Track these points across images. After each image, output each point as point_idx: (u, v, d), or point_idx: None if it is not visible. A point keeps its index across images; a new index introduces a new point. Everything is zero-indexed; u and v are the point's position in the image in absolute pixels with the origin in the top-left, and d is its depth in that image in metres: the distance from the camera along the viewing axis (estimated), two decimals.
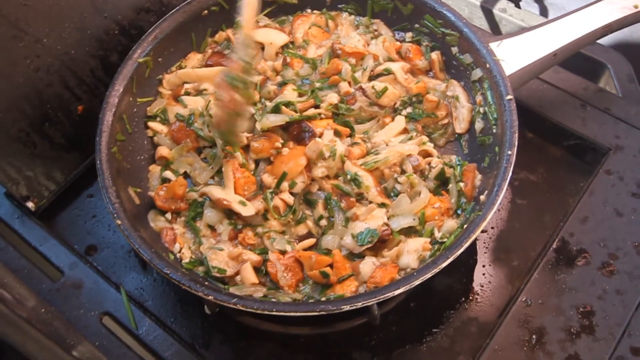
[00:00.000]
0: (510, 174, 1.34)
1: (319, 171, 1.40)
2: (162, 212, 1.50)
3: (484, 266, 1.51)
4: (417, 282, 1.22)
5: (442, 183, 1.49)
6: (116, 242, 1.59)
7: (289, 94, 1.57)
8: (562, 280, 1.42)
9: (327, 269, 1.36)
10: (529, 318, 1.38)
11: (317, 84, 1.61)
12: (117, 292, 1.46)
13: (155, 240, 1.44)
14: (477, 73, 1.56)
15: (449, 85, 1.61)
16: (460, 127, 1.57)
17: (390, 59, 1.65)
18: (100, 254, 1.58)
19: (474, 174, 1.46)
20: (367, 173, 1.45)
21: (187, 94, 1.66)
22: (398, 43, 1.68)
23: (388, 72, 1.61)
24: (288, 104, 1.51)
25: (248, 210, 1.42)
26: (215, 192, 1.46)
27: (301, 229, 1.41)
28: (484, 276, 1.50)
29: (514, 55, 1.54)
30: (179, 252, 1.43)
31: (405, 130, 1.56)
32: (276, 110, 1.50)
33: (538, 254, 1.49)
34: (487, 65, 1.52)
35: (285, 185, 1.40)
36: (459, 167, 1.48)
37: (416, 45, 1.68)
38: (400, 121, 1.56)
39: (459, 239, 1.28)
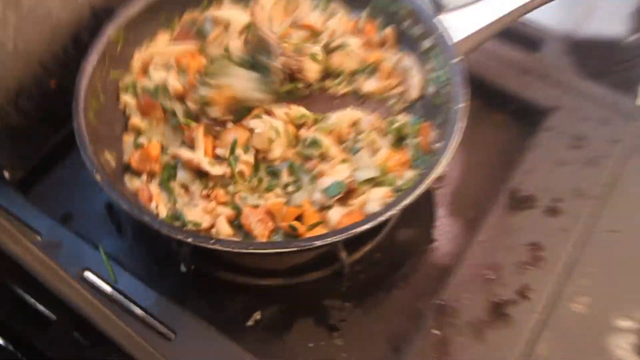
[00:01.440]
0: (461, 123, 1.46)
1: (276, 151, 1.48)
2: (138, 175, 1.57)
3: (442, 218, 1.63)
4: (381, 218, 1.32)
5: (399, 139, 1.61)
6: (91, 210, 1.65)
7: None
8: (512, 222, 1.55)
9: (296, 223, 1.45)
10: (484, 256, 1.50)
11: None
12: (96, 250, 1.51)
13: (132, 199, 1.50)
14: (427, 43, 1.70)
15: (402, 58, 1.74)
16: (414, 93, 1.70)
17: (345, 34, 1.78)
18: (77, 221, 1.63)
19: (429, 130, 1.59)
20: (324, 135, 1.56)
21: (156, 68, 1.74)
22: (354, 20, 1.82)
23: (344, 45, 1.74)
24: None
25: (217, 170, 1.48)
26: (186, 153, 1.55)
27: (270, 197, 1.45)
28: (443, 227, 1.62)
29: (459, 25, 1.69)
30: (156, 209, 1.50)
31: None
32: None
33: (490, 203, 1.62)
34: (436, 35, 1.66)
35: (239, 151, 1.47)
36: (415, 125, 1.61)
37: (371, 22, 1.81)
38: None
39: (417, 182, 1.40)
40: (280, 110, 1.60)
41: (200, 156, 1.53)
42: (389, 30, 1.79)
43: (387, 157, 1.47)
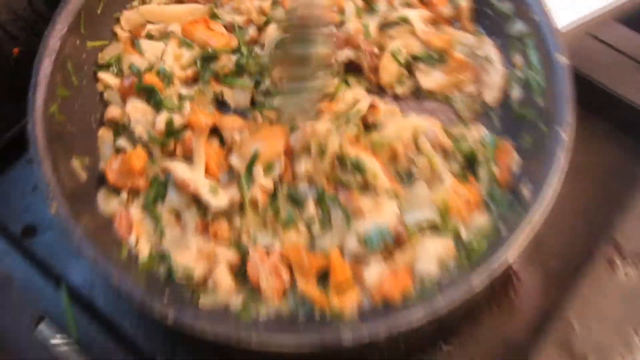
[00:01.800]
0: (563, 158, 1.03)
1: (302, 167, 1.14)
2: (117, 191, 1.19)
3: (513, 267, 1.22)
4: (442, 309, 0.93)
5: (469, 165, 1.18)
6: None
7: (272, 33, 1.24)
8: (614, 292, 1.13)
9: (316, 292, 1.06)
10: (573, 341, 1.10)
11: None
12: (56, 288, 1.15)
13: (106, 228, 1.14)
14: (519, 27, 1.23)
15: (479, 44, 1.27)
16: (491, 96, 1.24)
17: (408, 4, 1.31)
18: (40, 236, 1.26)
19: (511, 155, 1.16)
20: (372, 156, 1.14)
21: (150, 37, 1.33)
22: None
23: (404, 20, 1.27)
24: None
25: (219, 200, 1.12)
26: (180, 170, 1.15)
27: (289, 236, 1.12)
28: (514, 280, 1.21)
29: (568, 3, 1.20)
30: (135, 245, 1.12)
31: None
32: None
33: (582, 257, 1.19)
34: (534, 17, 1.18)
35: (259, 170, 1.13)
36: (491, 145, 1.16)
37: None
38: None
39: (496, 249, 0.98)
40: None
41: (199, 178, 1.12)
42: (464, 1, 1.31)
43: (451, 192, 1.12)
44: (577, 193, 1.28)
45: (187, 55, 1.30)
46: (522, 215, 1.02)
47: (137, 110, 1.21)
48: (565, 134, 1.06)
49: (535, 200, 1.02)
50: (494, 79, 1.25)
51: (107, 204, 1.17)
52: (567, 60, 1.12)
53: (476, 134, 1.21)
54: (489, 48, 1.26)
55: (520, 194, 1.08)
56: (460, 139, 1.19)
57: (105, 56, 1.29)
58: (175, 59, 1.29)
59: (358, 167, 1.12)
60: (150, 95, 1.22)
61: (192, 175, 1.13)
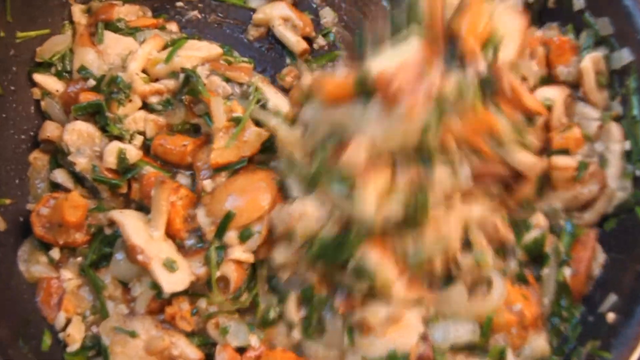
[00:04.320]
0: None
1: (281, 255, 0.87)
2: (46, 246, 0.94)
3: None
4: None
5: (532, 260, 0.90)
6: None
7: None
8: None
9: None
10: None
11: None
12: None
13: (26, 301, 0.89)
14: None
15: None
16: (605, 206, 0.91)
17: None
18: None
19: (593, 250, 0.88)
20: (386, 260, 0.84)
21: (117, 28, 1.01)
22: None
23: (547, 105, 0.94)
24: None
25: (176, 283, 0.85)
26: (131, 228, 0.85)
27: (272, 335, 0.87)
28: None
29: None
30: (63, 329, 0.88)
31: None
32: None
33: None
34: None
35: (232, 236, 0.87)
36: (568, 235, 0.89)
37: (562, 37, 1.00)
38: None
39: None
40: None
41: (152, 245, 0.87)
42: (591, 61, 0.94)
43: (499, 302, 0.85)
44: None
45: (162, 66, 0.96)
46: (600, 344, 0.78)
47: (80, 136, 0.89)
48: None
49: (625, 325, 0.77)
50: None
51: (30, 264, 0.92)
52: None
53: (542, 220, 0.91)
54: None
55: (600, 310, 0.83)
56: (525, 227, 0.90)
57: (46, 52, 0.99)
58: (148, 65, 0.95)
59: (361, 274, 0.82)
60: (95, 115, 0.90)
61: (145, 237, 0.83)
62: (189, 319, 0.91)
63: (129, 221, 0.90)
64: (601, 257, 0.89)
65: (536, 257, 0.90)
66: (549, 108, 0.93)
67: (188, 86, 0.95)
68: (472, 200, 0.85)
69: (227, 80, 0.95)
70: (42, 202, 0.92)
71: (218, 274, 0.87)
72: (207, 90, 0.92)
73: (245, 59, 1.03)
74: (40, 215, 0.92)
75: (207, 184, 0.90)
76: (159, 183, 0.89)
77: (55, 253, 0.92)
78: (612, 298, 0.83)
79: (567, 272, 0.87)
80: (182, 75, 0.95)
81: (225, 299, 0.91)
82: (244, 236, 0.87)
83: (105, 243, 0.92)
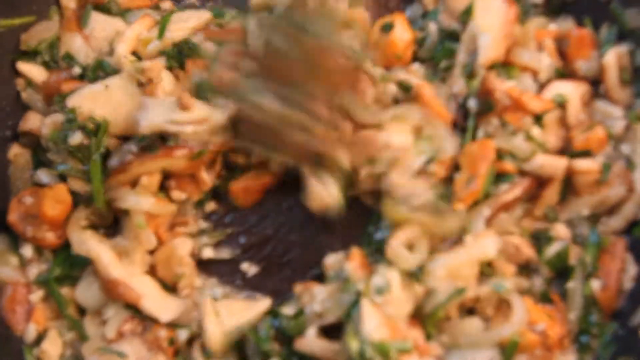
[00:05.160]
0: None
1: None
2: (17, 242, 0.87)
3: None
4: None
5: (557, 275, 0.83)
6: None
7: None
8: None
9: None
10: None
11: None
12: None
13: None
14: None
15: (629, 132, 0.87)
16: (634, 212, 0.83)
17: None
18: None
19: (623, 262, 0.80)
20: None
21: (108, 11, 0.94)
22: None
23: (559, 102, 0.87)
24: None
25: (167, 310, 0.81)
26: (104, 253, 0.81)
27: None
28: None
29: None
30: (35, 344, 0.79)
31: None
32: None
33: None
34: None
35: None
36: (594, 245, 0.81)
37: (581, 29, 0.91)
38: None
39: None
40: None
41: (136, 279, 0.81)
42: (614, 55, 0.87)
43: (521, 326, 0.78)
44: None
45: (156, 43, 0.89)
46: None
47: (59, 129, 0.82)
48: None
49: None
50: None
51: None
52: None
53: (563, 231, 0.83)
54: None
55: (631, 323, 0.77)
56: (545, 239, 0.83)
57: (32, 39, 0.93)
58: (140, 44, 0.89)
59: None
60: None
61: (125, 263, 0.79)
62: (165, 349, 0.81)
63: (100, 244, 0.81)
64: (632, 269, 0.80)
65: (561, 271, 0.83)
66: (562, 105, 0.85)
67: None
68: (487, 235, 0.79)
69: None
70: (27, 192, 0.85)
71: None
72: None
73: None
74: (21, 203, 0.85)
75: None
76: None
77: (27, 250, 0.83)
78: None
79: (595, 285, 0.81)
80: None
81: None
82: None
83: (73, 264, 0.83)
